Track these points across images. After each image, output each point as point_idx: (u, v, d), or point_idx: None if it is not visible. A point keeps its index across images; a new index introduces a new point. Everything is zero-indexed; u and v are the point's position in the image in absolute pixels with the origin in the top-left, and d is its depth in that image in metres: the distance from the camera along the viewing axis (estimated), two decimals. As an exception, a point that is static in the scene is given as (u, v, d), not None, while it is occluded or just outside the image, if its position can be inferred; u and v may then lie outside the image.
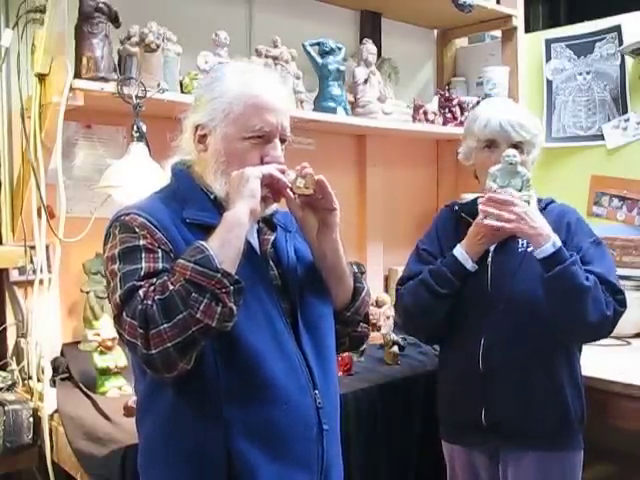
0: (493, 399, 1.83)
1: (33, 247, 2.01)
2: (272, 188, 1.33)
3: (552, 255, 1.74)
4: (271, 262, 1.41)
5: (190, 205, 1.36)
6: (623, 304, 1.81)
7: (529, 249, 1.84)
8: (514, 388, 1.82)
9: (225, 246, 1.22)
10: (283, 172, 1.34)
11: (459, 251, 1.86)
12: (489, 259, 1.88)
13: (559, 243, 1.76)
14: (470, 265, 1.85)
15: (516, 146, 1.86)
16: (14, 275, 2.12)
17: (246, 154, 1.35)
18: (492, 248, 1.89)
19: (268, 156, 1.35)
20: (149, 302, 1.18)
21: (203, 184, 1.39)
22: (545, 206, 1.94)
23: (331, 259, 1.43)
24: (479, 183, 1.96)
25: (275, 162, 1.35)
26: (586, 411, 1.90)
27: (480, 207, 1.80)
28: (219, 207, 1.36)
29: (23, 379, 2.05)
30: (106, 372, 2.01)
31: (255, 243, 1.40)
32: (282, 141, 1.39)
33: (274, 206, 1.40)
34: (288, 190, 1.34)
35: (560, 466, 1.86)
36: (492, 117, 1.88)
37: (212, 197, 1.38)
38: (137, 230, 1.28)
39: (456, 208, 2.00)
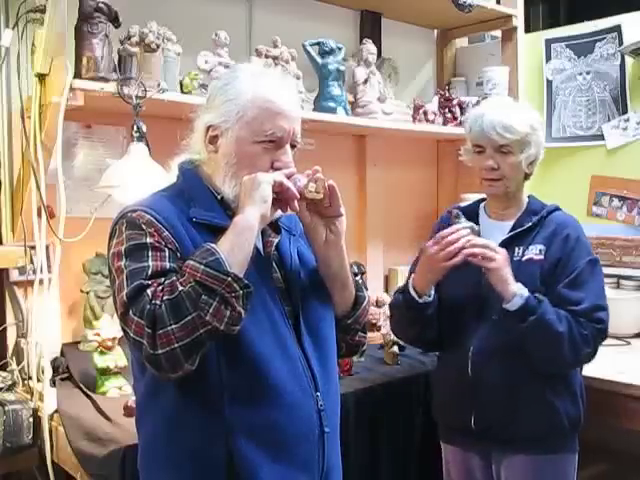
0: (482, 405, 1.83)
1: (33, 247, 2.01)
2: (281, 196, 1.32)
3: (522, 307, 1.73)
4: (274, 264, 1.41)
5: (197, 204, 1.36)
6: (604, 333, 1.81)
7: (523, 258, 1.83)
8: (502, 395, 1.81)
9: (235, 250, 1.22)
10: (290, 176, 1.33)
11: (411, 285, 1.82)
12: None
13: (526, 293, 1.74)
14: (422, 300, 1.80)
15: (503, 149, 1.84)
16: (14, 275, 2.12)
17: (257, 158, 1.34)
18: None
19: (279, 161, 1.35)
20: (157, 302, 1.18)
21: (211, 184, 1.39)
22: (547, 214, 1.90)
23: (335, 267, 1.43)
24: (480, 184, 1.96)
25: (285, 168, 1.35)
26: (583, 415, 1.87)
27: (465, 252, 1.73)
28: (226, 208, 1.36)
29: (23, 379, 2.05)
30: (106, 372, 2.01)
31: (259, 245, 1.39)
32: (292, 146, 1.39)
33: (279, 212, 1.39)
34: (295, 202, 1.33)
35: (552, 468, 1.85)
36: (477, 121, 1.85)
37: (219, 197, 1.37)
38: (144, 227, 1.28)
39: (455, 212, 1.97)
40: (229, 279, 1.18)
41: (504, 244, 1.83)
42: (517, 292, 1.73)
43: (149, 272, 1.23)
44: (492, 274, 1.74)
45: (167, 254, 1.27)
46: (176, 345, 1.17)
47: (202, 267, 1.18)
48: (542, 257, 1.82)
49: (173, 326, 1.16)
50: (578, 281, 1.81)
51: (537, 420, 1.81)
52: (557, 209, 1.94)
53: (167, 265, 1.25)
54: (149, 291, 1.20)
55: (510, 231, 1.88)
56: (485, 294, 1.82)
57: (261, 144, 1.34)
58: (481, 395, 1.82)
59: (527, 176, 1.93)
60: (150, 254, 1.26)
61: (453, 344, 1.89)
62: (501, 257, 1.73)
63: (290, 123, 1.36)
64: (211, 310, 1.16)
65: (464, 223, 1.78)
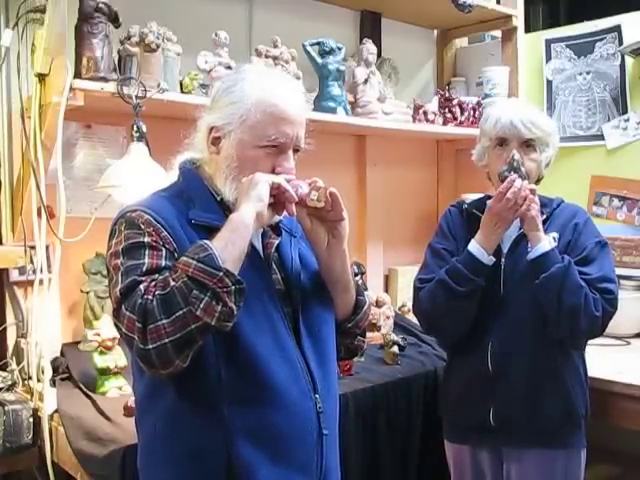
0: (502, 399, 1.85)
1: (33, 247, 2.01)
2: (278, 199, 1.31)
3: (549, 252, 1.80)
4: (274, 266, 1.41)
5: (196, 205, 1.36)
6: (612, 305, 1.84)
7: None
8: (524, 388, 1.84)
9: (229, 246, 1.22)
10: (289, 182, 1.32)
11: (474, 246, 1.84)
12: (502, 261, 1.88)
13: (553, 245, 1.82)
14: (487, 259, 1.83)
15: (528, 144, 1.88)
16: (14, 275, 2.12)
17: (259, 162, 1.34)
18: (504, 250, 1.90)
19: (280, 167, 1.35)
20: (149, 297, 1.18)
21: (211, 185, 1.39)
22: (557, 206, 1.97)
23: (337, 270, 1.43)
24: (492, 184, 1.96)
25: (286, 173, 1.35)
26: (589, 408, 1.91)
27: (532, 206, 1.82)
28: (225, 209, 1.35)
29: (23, 379, 2.05)
30: (106, 372, 2.02)
31: (259, 246, 1.39)
32: (295, 151, 1.39)
33: (278, 217, 1.39)
34: (293, 205, 1.32)
35: (563, 463, 1.87)
36: (503, 115, 1.89)
37: (219, 199, 1.37)
38: (142, 227, 1.28)
39: (465, 206, 2.01)
40: (221, 274, 1.17)
41: (521, 236, 1.88)
42: (545, 238, 1.81)
43: (144, 269, 1.24)
44: (532, 221, 1.81)
45: (164, 253, 1.27)
46: (167, 340, 1.16)
47: (194, 262, 1.18)
48: (556, 244, 1.86)
49: (164, 321, 1.16)
50: (587, 259, 1.87)
51: (556, 411, 1.85)
52: (562, 201, 2.00)
53: (162, 263, 1.25)
54: (142, 286, 1.20)
55: None
56: (502, 288, 1.86)
57: (263, 149, 1.34)
58: (502, 389, 1.84)
59: (539, 180, 1.96)
60: (147, 252, 1.26)
61: (471, 339, 1.89)
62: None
63: (294, 128, 1.35)
64: (202, 305, 1.16)
65: (513, 175, 1.83)
